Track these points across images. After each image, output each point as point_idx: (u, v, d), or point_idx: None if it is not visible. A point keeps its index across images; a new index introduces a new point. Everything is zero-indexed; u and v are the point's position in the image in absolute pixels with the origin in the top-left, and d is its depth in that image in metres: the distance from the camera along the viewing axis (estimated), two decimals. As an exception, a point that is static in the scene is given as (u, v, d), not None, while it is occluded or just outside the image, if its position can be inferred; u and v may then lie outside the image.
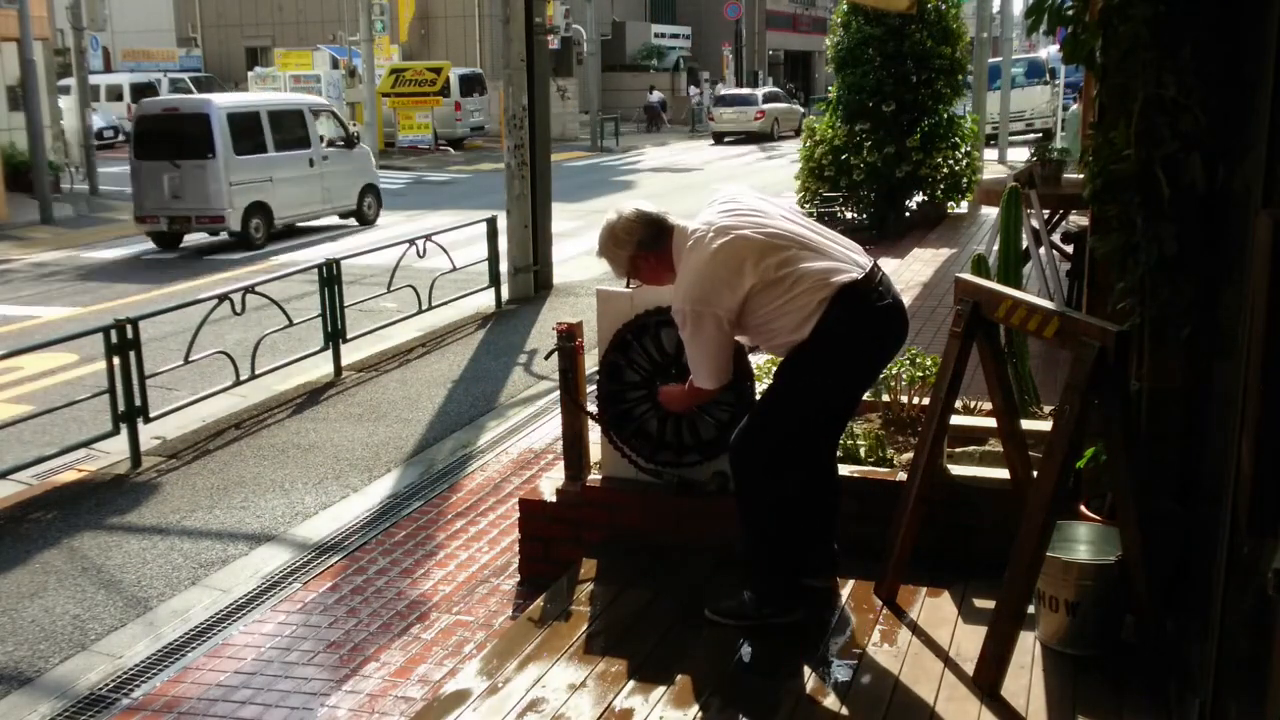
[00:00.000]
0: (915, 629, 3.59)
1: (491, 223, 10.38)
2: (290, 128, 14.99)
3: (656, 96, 38.35)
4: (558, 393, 5.14)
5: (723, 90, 36.98)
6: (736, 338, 3.60)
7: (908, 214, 13.83)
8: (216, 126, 13.80)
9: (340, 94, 27.32)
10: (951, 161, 13.54)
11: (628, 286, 3.88)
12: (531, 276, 10.85)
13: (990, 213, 11.96)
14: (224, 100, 15.47)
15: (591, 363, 4.76)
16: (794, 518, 3.63)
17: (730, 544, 4.00)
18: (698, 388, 3.64)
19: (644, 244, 3.56)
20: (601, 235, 3.64)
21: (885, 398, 4.85)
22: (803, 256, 3.39)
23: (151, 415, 6.53)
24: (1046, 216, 7.41)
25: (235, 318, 7.46)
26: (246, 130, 14.23)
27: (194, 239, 14.71)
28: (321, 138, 15.57)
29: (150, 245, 14.47)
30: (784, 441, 3.54)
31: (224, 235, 14.30)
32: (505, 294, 10.53)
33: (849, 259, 3.46)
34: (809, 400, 3.52)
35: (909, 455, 4.23)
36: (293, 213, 14.97)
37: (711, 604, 3.70)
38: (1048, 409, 4.78)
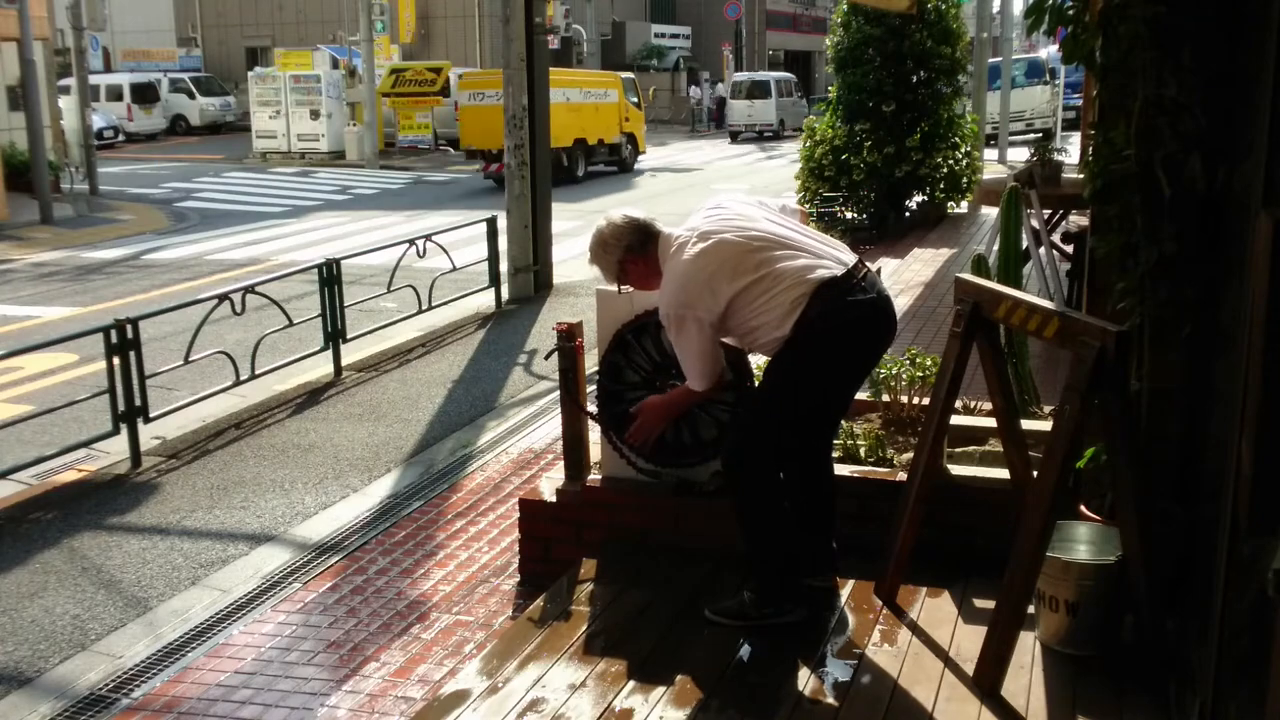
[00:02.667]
0: (915, 629, 3.59)
1: (491, 223, 10.38)
2: (786, 88, 34.11)
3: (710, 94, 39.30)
4: (558, 393, 5.14)
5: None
6: (724, 340, 3.64)
7: (908, 214, 13.84)
8: (772, 86, 33.06)
9: (340, 94, 27.30)
10: (951, 161, 13.54)
11: (619, 291, 3.93)
12: (531, 276, 10.85)
13: (990, 213, 11.96)
14: (776, 75, 34.89)
15: (591, 363, 4.76)
16: (792, 517, 3.64)
17: (730, 544, 4.00)
18: (684, 391, 3.72)
19: (631, 249, 3.64)
20: (591, 241, 3.74)
21: (885, 398, 4.85)
22: (782, 256, 3.45)
23: (151, 415, 6.54)
24: (1046, 216, 7.41)
25: (235, 318, 7.46)
26: (779, 88, 33.31)
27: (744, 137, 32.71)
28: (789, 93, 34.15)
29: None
30: (776, 440, 3.55)
31: (766, 135, 32.96)
32: (505, 294, 10.53)
33: (831, 256, 3.51)
34: (797, 397, 3.55)
35: (909, 455, 4.23)
36: (790, 125, 31.92)
37: (711, 604, 3.71)
38: (1048, 409, 4.78)
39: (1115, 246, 3.45)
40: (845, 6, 13.41)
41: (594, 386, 4.39)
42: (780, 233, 3.53)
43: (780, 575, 3.64)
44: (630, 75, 26.68)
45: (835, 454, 4.41)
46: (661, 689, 3.29)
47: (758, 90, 33.12)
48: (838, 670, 3.37)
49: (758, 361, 4.68)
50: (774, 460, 3.56)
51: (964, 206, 14.69)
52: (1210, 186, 3.22)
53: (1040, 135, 23.42)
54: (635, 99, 24.95)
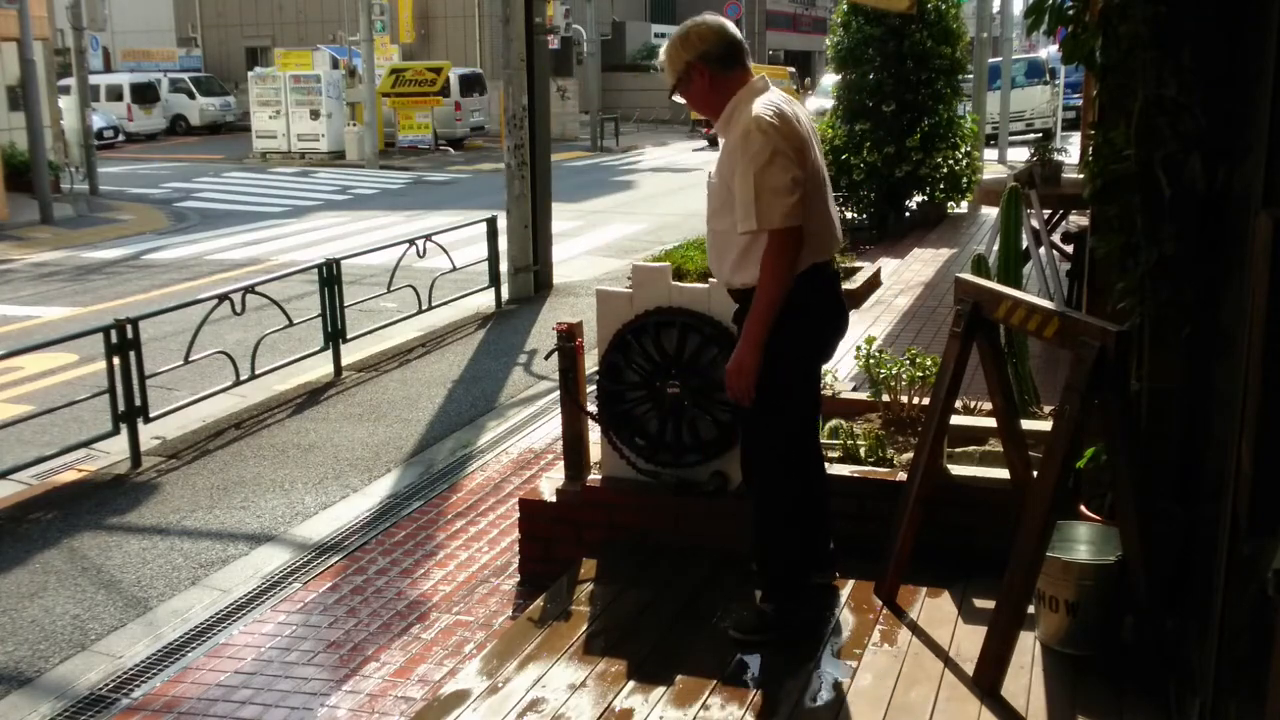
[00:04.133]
0: (915, 629, 3.59)
1: (491, 223, 10.38)
2: None
3: None
4: (558, 393, 5.14)
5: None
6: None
7: (908, 214, 13.83)
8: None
9: (340, 94, 27.29)
10: (951, 161, 13.54)
11: (670, 96, 3.51)
12: (531, 276, 10.85)
13: (990, 213, 11.96)
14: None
15: (591, 363, 4.76)
16: (802, 513, 3.64)
17: (730, 544, 4.01)
18: (755, 314, 3.28)
19: (708, 58, 3.33)
20: (676, 32, 3.42)
21: (885, 398, 4.85)
22: (828, 202, 3.44)
23: (151, 415, 6.54)
24: (1046, 216, 7.41)
25: (235, 318, 7.46)
26: None
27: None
28: None
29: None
30: (784, 425, 3.50)
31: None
32: (505, 294, 10.53)
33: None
34: (789, 371, 3.44)
35: (909, 455, 4.23)
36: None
37: (734, 624, 3.63)
38: (1048, 409, 4.78)
39: (1115, 246, 3.45)
40: (845, 6, 13.41)
41: (594, 386, 4.38)
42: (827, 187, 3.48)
43: (795, 573, 3.62)
44: (793, 69, 35.41)
45: (835, 454, 4.42)
46: (661, 689, 3.29)
47: None
48: (838, 670, 3.37)
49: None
50: (786, 451, 3.52)
51: (964, 206, 14.68)
52: (1210, 186, 3.22)
53: (1040, 135, 23.46)
54: (796, 86, 32.57)
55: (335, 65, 28.67)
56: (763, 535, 3.60)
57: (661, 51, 3.46)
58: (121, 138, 32.71)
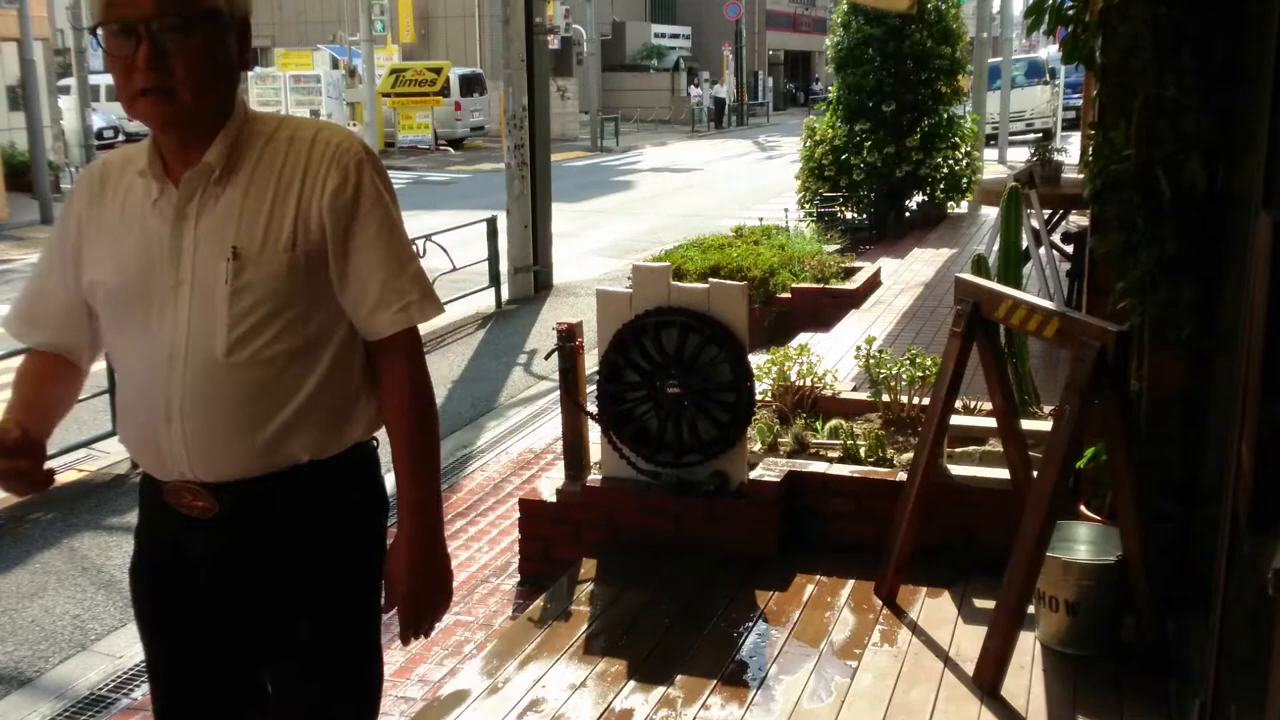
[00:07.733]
0: (915, 629, 3.59)
1: (491, 223, 10.38)
2: None
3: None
4: (558, 393, 5.14)
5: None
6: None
7: (908, 214, 13.84)
8: None
9: (340, 94, 27.30)
10: (951, 161, 13.54)
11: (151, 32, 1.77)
12: (531, 276, 10.85)
13: (990, 213, 11.96)
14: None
15: (591, 363, 4.76)
16: None
17: (729, 544, 4.01)
18: (431, 501, 1.97)
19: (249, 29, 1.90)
20: None
21: (885, 398, 4.85)
22: None
23: (151, 415, 6.53)
24: (1046, 216, 7.41)
25: (235, 318, 7.45)
26: None
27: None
28: None
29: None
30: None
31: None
32: (505, 294, 10.54)
33: None
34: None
35: (909, 455, 4.23)
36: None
37: None
38: (1048, 409, 4.78)
39: (1115, 246, 3.46)
40: (845, 6, 13.41)
41: (594, 386, 4.39)
42: None
43: None
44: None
45: (835, 454, 4.42)
46: (661, 689, 3.29)
47: None
48: (838, 670, 3.37)
49: (757, 361, 4.67)
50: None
51: (964, 206, 14.68)
52: (1210, 186, 3.22)
53: (1040, 135, 23.43)
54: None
55: (335, 65, 28.70)
56: None
57: None
58: (121, 138, 32.58)
